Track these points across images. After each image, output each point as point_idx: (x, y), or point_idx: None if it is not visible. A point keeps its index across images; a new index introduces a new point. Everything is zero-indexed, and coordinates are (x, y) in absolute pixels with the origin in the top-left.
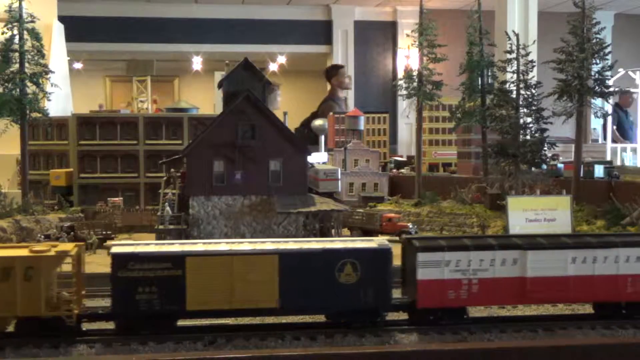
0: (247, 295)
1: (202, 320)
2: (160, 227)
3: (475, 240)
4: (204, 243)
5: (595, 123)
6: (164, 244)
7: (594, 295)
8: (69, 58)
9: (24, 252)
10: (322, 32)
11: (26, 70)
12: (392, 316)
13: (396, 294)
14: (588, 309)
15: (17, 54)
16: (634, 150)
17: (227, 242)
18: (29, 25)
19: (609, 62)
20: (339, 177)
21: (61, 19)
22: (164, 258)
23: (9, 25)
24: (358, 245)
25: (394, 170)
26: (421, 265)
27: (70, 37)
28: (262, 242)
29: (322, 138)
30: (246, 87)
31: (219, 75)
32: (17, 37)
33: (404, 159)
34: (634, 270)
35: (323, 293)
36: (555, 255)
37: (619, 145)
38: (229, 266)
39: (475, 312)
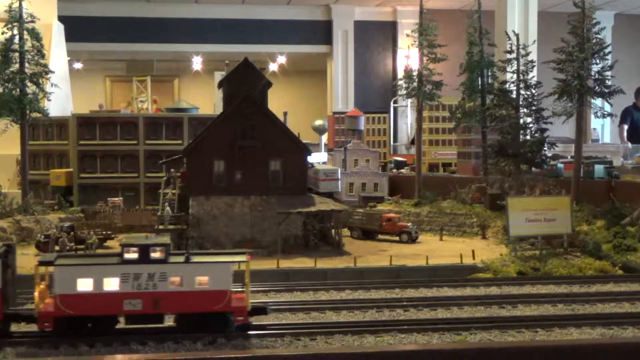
0: None
1: None
2: (160, 227)
3: None
4: None
5: (595, 123)
6: None
7: None
8: (69, 58)
9: None
10: (322, 32)
11: (26, 70)
12: None
13: None
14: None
15: (17, 54)
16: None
17: None
18: (29, 25)
19: (609, 62)
20: (339, 177)
21: (61, 19)
22: None
23: (9, 25)
24: None
25: (394, 170)
26: None
27: (70, 37)
28: None
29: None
30: (246, 87)
31: (219, 75)
32: (17, 37)
33: (404, 159)
34: None
35: None
36: None
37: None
38: None
39: (475, 312)
